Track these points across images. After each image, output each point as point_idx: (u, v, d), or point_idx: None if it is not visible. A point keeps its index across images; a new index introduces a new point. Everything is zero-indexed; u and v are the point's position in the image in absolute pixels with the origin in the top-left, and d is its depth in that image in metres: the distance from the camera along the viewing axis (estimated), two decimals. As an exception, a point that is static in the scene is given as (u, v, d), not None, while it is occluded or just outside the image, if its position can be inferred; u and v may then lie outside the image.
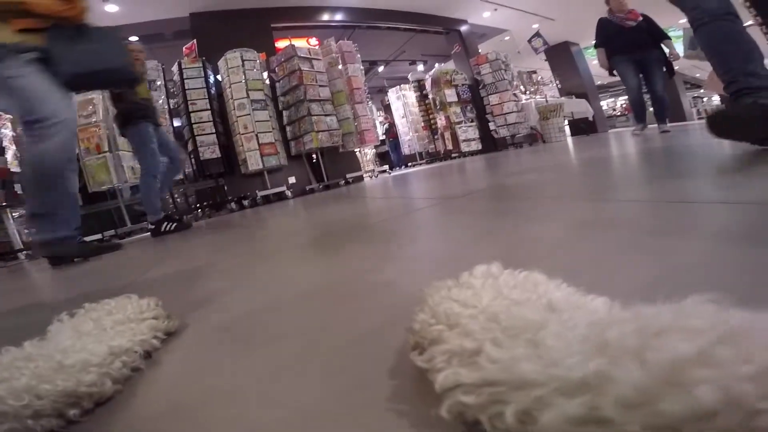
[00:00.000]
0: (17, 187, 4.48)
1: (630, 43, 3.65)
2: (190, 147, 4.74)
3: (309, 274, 0.75)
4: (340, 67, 5.48)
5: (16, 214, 5.47)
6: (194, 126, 4.60)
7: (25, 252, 4.16)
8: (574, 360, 0.18)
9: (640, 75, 3.70)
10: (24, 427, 0.33)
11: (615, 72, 3.79)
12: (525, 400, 0.18)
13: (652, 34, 3.71)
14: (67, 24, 1.83)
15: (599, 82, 11.71)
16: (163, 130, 2.97)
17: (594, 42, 3.91)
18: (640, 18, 3.72)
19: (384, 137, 8.89)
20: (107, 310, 0.51)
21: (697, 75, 15.98)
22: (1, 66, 1.71)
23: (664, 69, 3.73)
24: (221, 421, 0.31)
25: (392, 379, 0.30)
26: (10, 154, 4.80)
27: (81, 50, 1.84)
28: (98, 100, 4.22)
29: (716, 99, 15.53)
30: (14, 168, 4.67)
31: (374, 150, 8.23)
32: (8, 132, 4.74)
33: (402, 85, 8.17)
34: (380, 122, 8.57)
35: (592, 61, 9.63)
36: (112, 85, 2.50)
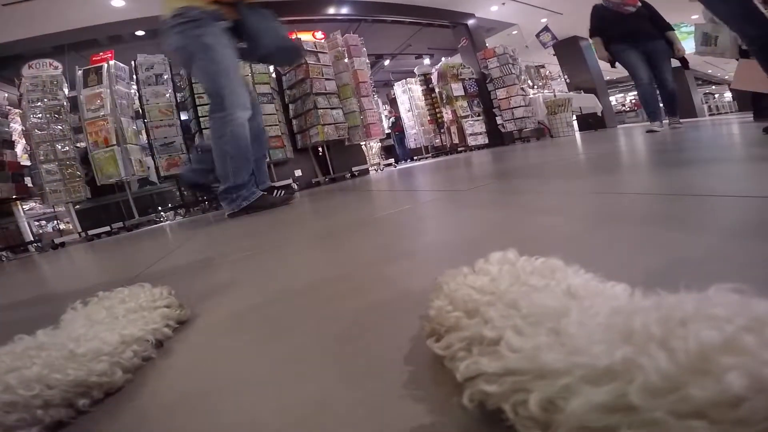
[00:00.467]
0: (27, 181, 4.54)
1: (632, 31, 3.36)
2: (197, 140, 4.75)
3: (319, 264, 0.75)
4: (346, 60, 5.45)
5: (26, 207, 5.55)
6: (201, 119, 4.60)
7: (35, 244, 4.21)
8: (599, 348, 0.18)
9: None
10: (32, 417, 0.32)
11: (618, 64, 3.49)
12: (549, 389, 0.18)
13: (655, 23, 3.44)
14: (247, 2, 1.99)
15: (608, 78, 11.57)
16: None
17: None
18: (639, 4, 3.45)
19: (390, 131, 8.86)
20: (120, 299, 0.51)
21: (709, 71, 15.72)
22: (200, 31, 1.87)
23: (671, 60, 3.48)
24: (232, 412, 0.31)
25: (408, 366, 0.30)
26: (20, 148, 4.85)
27: (270, 27, 2.05)
28: (106, 93, 4.24)
29: (728, 95, 15.29)
30: (24, 161, 4.72)
31: (380, 143, 8.20)
32: (18, 126, 4.79)
33: (408, 79, 8.12)
34: (386, 116, 8.54)
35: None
36: (284, 61, 3.01)
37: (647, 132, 3.20)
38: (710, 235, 0.46)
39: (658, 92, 3.55)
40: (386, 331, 0.38)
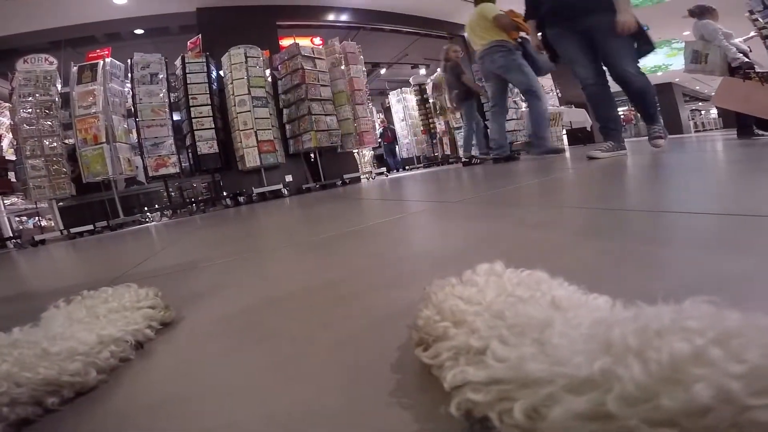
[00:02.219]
0: (11, 176, 4.45)
1: (564, 5, 2.36)
2: (188, 141, 4.72)
3: (307, 271, 0.75)
4: (342, 67, 5.48)
5: (7, 202, 5.43)
6: (194, 120, 4.58)
7: (14, 240, 4.12)
8: (580, 359, 0.19)
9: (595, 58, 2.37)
10: None
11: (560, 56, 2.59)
12: (533, 398, 0.19)
13: None
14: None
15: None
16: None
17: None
18: None
19: (379, 141, 8.89)
20: (103, 298, 0.50)
21: (697, 87, 16.13)
22: (514, 56, 3.31)
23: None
24: (210, 417, 0.30)
25: (395, 374, 0.30)
26: (5, 142, 4.77)
27: (541, 56, 3.21)
28: (99, 91, 4.20)
29: (714, 112, 15.66)
30: (9, 156, 4.64)
31: (372, 152, 8.23)
32: (5, 120, 4.71)
33: (403, 88, 8.19)
34: (378, 124, 8.58)
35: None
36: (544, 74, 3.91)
37: (588, 158, 2.26)
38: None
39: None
40: (373, 339, 0.38)
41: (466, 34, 4.06)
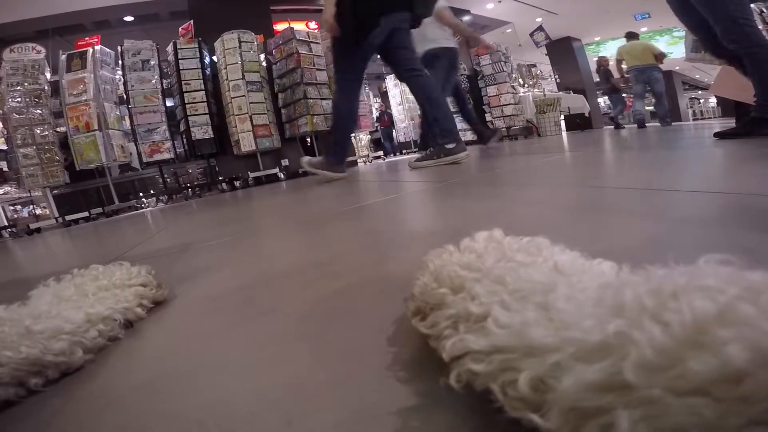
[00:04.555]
0: (2, 165, 4.40)
1: None
2: (182, 127, 4.66)
3: (301, 250, 0.74)
4: (339, 51, 5.39)
5: (1, 192, 5.37)
6: (187, 106, 4.51)
7: (9, 229, 4.08)
8: (589, 323, 0.17)
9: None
10: None
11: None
12: (539, 367, 0.17)
13: None
14: None
15: (597, 79, 11.74)
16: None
17: None
18: None
19: (377, 125, 8.79)
20: (93, 276, 0.49)
21: (697, 76, 16.06)
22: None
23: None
24: (200, 394, 0.29)
25: (392, 347, 0.29)
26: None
27: None
28: (90, 78, 4.12)
29: (713, 101, 15.65)
30: (0, 145, 4.57)
31: (369, 136, 8.15)
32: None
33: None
34: (375, 108, 8.49)
35: (593, 57, 9.61)
36: None
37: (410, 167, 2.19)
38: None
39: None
40: (368, 314, 0.37)
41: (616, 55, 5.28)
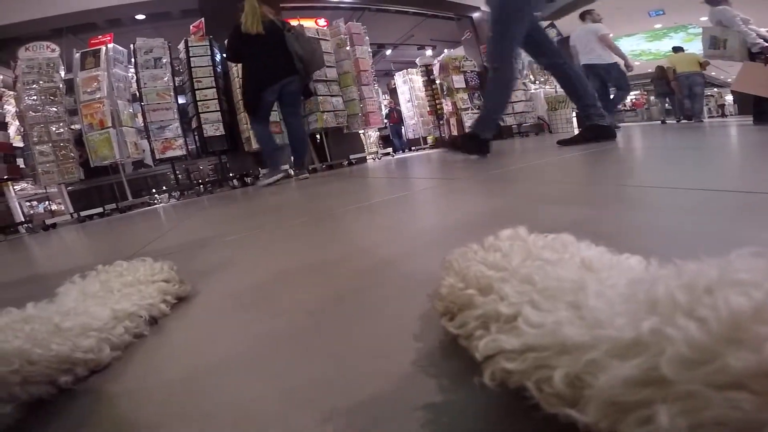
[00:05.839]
0: (19, 162, 4.49)
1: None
2: (194, 124, 4.70)
3: (319, 246, 0.74)
4: (348, 48, 5.39)
5: (17, 188, 5.47)
6: (199, 103, 4.55)
7: (26, 225, 4.16)
8: (622, 320, 0.17)
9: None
10: (9, 394, 0.30)
11: None
12: (574, 364, 0.17)
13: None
14: None
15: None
16: None
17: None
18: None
19: (386, 122, 8.78)
20: (118, 272, 0.49)
21: (712, 73, 15.74)
22: None
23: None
24: (225, 394, 0.29)
25: (417, 343, 0.29)
26: (12, 129, 4.78)
27: None
28: (103, 76, 4.18)
29: (729, 98, 15.37)
30: (17, 143, 4.66)
31: (378, 132, 8.15)
32: (11, 108, 4.72)
33: (409, 69, 8.05)
34: (385, 105, 8.47)
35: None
36: None
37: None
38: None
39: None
40: (391, 311, 0.37)
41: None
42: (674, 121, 6.44)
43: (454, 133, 7.06)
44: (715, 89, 17.38)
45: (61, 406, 0.32)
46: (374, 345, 0.31)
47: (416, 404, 0.23)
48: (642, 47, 11.19)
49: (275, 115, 4.69)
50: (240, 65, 3.61)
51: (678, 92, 6.44)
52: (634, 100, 16.10)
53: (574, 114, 6.86)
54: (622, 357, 0.16)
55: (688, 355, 0.14)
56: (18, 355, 0.31)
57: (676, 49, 6.66)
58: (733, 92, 6.62)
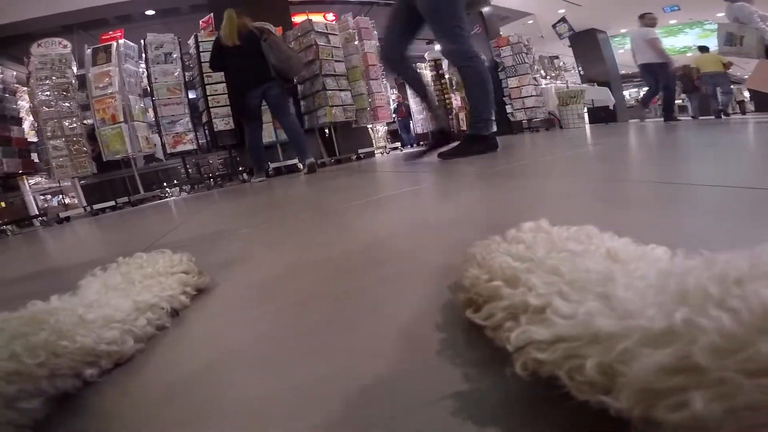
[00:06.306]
0: (33, 156, 4.57)
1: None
2: (204, 118, 4.74)
3: (333, 239, 0.75)
4: (356, 42, 5.38)
5: (32, 182, 5.57)
6: (209, 98, 4.58)
7: (40, 218, 4.24)
8: (653, 311, 0.18)
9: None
10: (36, 388, 0.29)
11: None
12: (606, 353, 0.18)
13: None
14: None
15: (623, 72, 11.40)
16: None
17: None
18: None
19: (394, 116, 8.75)
20: (138, 264, 0.50)
21: (728, 70, 15.48)
22: None
23: None
24: (248, 388, 0.28)
25: (441, 333, 0.30)
26: (27, 125, 4.86)
27: None
28: (115, 72, 4.22)
29: (746, 94, 15.11)
30: (31, 138, 4.73)
31: (386, 127, 8.14)
32: (25, 104, 4.80)
33: (417, 64, 8.01)
34: (393, 99, 8.45)
35: (619, 50, 9.33)
36: None
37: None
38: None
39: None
40: (412, 301, 0.37)
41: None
42: (689, 118, 6.44)
43: (463, 128, 7.04)
44: (733, 86, 17.08)
45: (86, 399, 0.32)
46: (397, 335, 0.31)
47: (444, 393, 0.23)
48: (656, 43, 11.04)
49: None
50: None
51: (704, 91, 6.61)
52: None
53: (585, 110, 6.80)
54: (655, 346, 0.16)
55: (720, 343, 0.15)
56: (44, 347, 0.31)
57: (702, 49, 6.74)
58: (750, 89, 6.64)
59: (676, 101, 6.65)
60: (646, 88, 5.62)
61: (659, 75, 4.92)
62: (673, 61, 4.97)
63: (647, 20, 4.95)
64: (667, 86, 5.01)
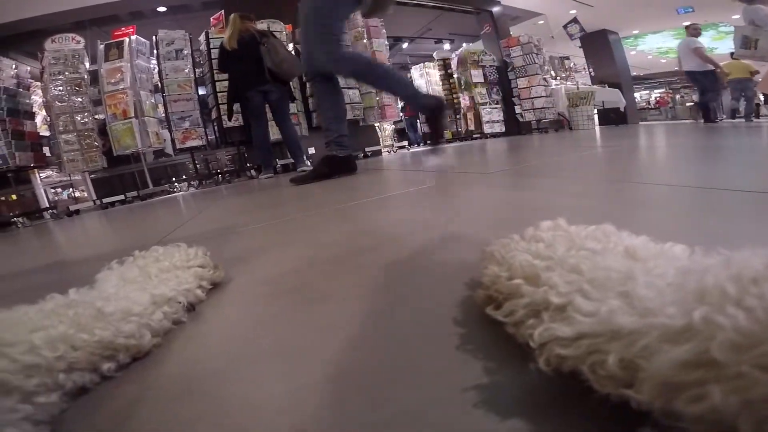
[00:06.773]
0: (45, 150, 4.63)
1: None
2: (213, 115, 4.77)
3: (346, 235, 0.75)
4: (365, 41, 5.38)
5: (43, 175, 5.64)
6: (219, 95, 4.60)
7: (51, 211, 4.29)
8: (672, 309, 0.18)
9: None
10: (54, 382, 0.29)
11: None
12: (627, 349, 0.18)
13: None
14: None
15: (634, 74, 11.29)
16: None
17: None
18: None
19: (401, 114, 8.74)
20: (155, 258, 0.50)
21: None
22: None
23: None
24: (267, 384, 0.28)
25: (460, 329, 0.30)
26: (39, 119, 4.93)
27: None
28: (126, 68, 4.26)
29: (761, 96, 14.96)
30: (43, 132, 4.80)
31: (393, 126, 8.13)
32: (38, 98, 4.86)
33: (426, 63, 7.99)
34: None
35: (631, 51, 9.22)
36: None
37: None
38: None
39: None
40: (427, 297, 0.37)
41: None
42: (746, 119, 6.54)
43: (471, 128, 7.02)
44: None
45: (104, 394, 0.32)
46: (416, 331, 0.32)
47: (466, 385, 0.24)
48: (669, 44, 10.90)
49: (293, 106, 4.72)
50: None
51: (731, 95, 6.70)
52: (658, 98, 15.71)
53: (595, 111, 6.75)
54: (674, 342, 0.17)
55: (738, 340, 0.16)
56: (63, 341, 0.31)
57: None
58: (763, 93, 6.67)
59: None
60: (659, 91, 5.71)
61: (703, 81, 5.34)
62: (720, 66, 5.38)
63: (692, 30, 5.40)
64: (710, 90, 5.37)
